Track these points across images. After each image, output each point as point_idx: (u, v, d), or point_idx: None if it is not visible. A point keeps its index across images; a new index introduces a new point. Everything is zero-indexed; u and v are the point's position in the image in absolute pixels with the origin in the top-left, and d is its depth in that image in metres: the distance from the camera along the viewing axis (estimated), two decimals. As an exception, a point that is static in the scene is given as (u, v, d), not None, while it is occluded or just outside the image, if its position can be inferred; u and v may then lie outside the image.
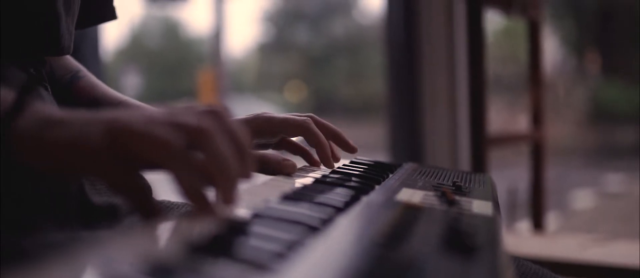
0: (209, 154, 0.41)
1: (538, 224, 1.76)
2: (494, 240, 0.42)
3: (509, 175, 2.29)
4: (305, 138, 0.68)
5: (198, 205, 0.41)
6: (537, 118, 1.78)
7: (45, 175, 0.52)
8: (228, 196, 0.42)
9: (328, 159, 0.68)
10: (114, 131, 0.41)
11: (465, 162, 1.80)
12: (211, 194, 0.42)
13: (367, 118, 10.58)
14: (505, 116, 5.68)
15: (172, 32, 15.23)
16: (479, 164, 1.46)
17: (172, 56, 14.95)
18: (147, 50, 14.36)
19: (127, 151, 0.40)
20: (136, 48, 13.84)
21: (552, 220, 4.62)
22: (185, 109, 0.44)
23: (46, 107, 0.44)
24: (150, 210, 0.43)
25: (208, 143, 0.41)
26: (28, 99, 0.44)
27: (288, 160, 0.65)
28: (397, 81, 2.06)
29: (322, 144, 0.67)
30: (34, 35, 0.58)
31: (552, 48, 9.79)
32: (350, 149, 0.72)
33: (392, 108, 2.11)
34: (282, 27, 14.18)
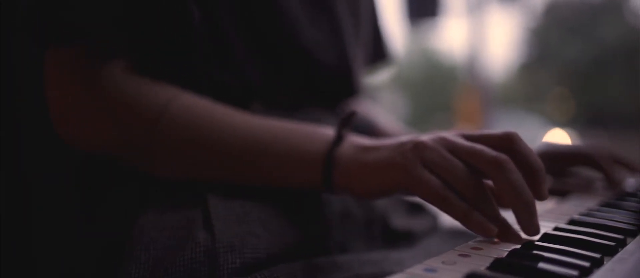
0: (506, 185, 0.44)
1: None
2: None
3: None
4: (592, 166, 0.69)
5: (483, 233, 0.45)
6: None
7: (358, 200, 0.62)
8: (529, 224, 0.44)
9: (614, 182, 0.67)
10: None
11: None
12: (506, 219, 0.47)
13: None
14: None
15: (430, 57, 15.69)
16: None
17: (430, 79, 15.36)
18: (408, 74, 14.98)
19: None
20: (398, 73, 14.42)
21: None
22: (481, 136, 0.48)
23: (358, 138, 0.54)
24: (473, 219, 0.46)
25: (504, 174, 0.44)
26: (345, 133, 0.54)
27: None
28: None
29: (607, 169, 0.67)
30: (335, 87, 0.69)
31: None
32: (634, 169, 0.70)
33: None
34: (545, 40, 13.57)
